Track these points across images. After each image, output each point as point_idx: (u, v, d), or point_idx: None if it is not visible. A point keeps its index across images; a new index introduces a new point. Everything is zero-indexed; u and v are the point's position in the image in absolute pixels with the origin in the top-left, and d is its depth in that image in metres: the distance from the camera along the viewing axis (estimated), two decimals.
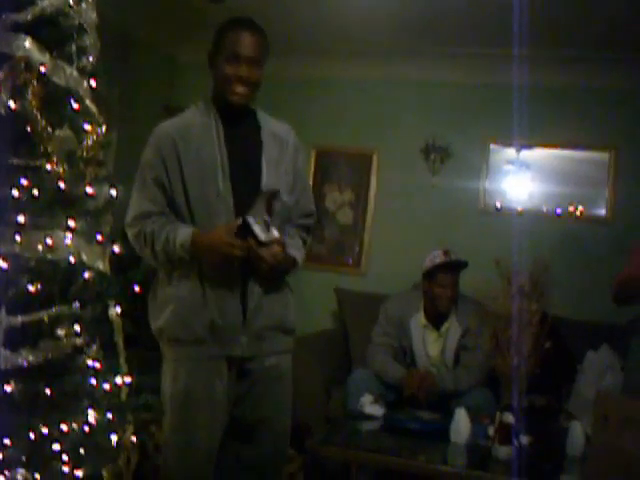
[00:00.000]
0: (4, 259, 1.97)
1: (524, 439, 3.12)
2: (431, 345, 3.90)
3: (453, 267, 3.86)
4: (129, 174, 2.42)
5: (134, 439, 2.34)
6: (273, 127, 2.43)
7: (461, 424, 3.22)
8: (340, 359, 4.45)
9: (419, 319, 3.90)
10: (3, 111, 1.95)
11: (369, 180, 4.99)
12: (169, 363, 2.36)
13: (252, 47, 2.30)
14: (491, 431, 3.16)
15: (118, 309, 2.38)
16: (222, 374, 2.30)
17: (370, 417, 3.46)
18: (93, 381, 2.18)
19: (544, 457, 3.12)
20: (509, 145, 4.70)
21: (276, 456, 2.47)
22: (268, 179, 2.33)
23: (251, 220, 2.17)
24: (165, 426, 2.37)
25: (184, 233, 2.23)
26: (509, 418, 3.10)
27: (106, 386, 2.26)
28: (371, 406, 3.51)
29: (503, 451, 3.06)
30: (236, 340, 2.29)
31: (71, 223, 2.14)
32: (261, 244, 2.18)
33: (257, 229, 2.16)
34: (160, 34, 4.86)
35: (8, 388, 1.99)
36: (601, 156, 4.65)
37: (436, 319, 3.89)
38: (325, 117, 4.98)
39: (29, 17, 2.09)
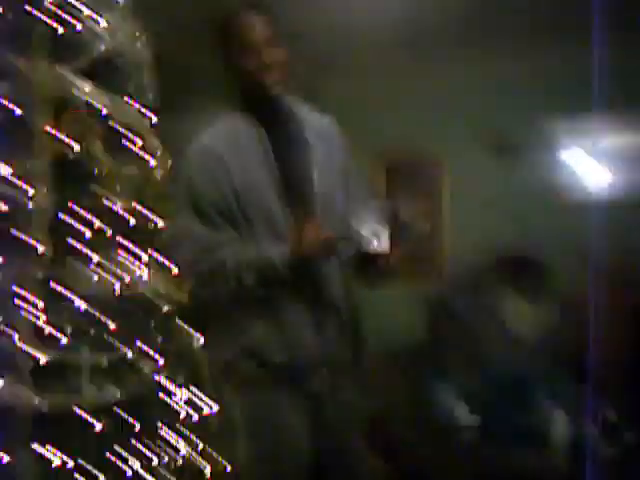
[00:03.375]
0: (83, 299, 2.00)
1: (628, 435, 3.00)
2: None
3: None
4: None
5: (228, 469, 2.33)
6: (314, 120, 2.25)
7: (561, 425, 3.12)
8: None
9: None
10: (71, 155, 1.99)
11: (441, 189, 4.92)
12: (242, 398, 2.19)
13: (264, 27, 2.09)
14: (593, 430, 3.04)
15: (201, 340, 2.40)
16: (301, 411, 2.15)
17: (465, 428, 3.39)
18: (182, 413, 2.19)
19: None
20: (583, 134, 4.55)
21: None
22: (320, 186, 2.17)
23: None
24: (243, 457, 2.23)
25: (278, 251, 2.04)
26: (612, 415, 2.99)
27: (194, 417, 2.27)
28: (466, 416, 3.43)
29: (609, 449, 2.95)
30: (314, 374, 2.13)
31: (145, 257, 2.16)
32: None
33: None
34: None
35: (98, 426, 2.01)
36: None
37: None
38: (390, 130, 4.92)
39: (87, 61, 2.13)
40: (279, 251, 2.02)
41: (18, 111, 2.03)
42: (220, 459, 2.33)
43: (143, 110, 2.30)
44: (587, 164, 4.65)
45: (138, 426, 2.08)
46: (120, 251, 2.12)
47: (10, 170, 1.98)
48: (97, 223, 2.04)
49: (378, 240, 1.96)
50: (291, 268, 2.00)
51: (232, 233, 2.08)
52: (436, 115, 4.88)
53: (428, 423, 3.78)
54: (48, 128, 2.01)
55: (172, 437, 2.16)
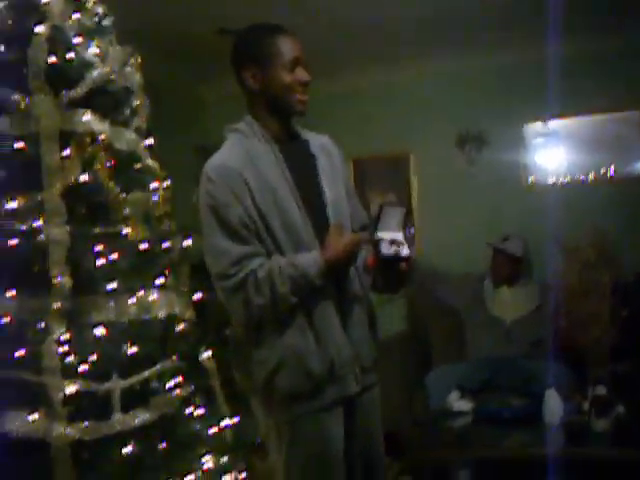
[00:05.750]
0: (104, 327, 2.03)
1: (620, 409, 3.12)
2: None
3: None
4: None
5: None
6: (316, 139, 2.31)
7: (553, 404, 3.22)
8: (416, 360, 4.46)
9: None
10: (80, 185, 2.01)
11: (409, 181, 5.03)
12: (283, 425, 2.11)
13: (302, 49, 2.15)
14: (585, 406, 3.16)
15: (209, 353, 2.44)
16: (340, 418, 2.12)
17: (459, 413, 3.49)
18: (204, 428, 2.23)
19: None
20: (543, 120, 4.71)
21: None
22: (330, 194, 2.20)
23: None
24: None
25: (309, 258, 2.05)
26: (602, 390, 3.11)
27: (213, 430, 2.32)
28: (459, 402, 3.53)
29: (601, 424, 3.07)
30: (351, 377, 2.12)
31: (157, 280, 2.19)
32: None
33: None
34: (183, 74, 4.93)
35: (128, 449, 2.04)
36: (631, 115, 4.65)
37: None
38: (357, 126, 5.01)
39: (83, 90, 2.15)
40: (312, 257, 2.05)
41: (21, 144, 2.05)
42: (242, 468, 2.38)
43: (139, 134, 2.33)
44: (549, 149, 4.80)
45: (165, 445, 2.12)
46: (132, 275, 2.15)
47: (23, 203, 2.00)
48: (111, 251, 2.07)
49: (399, 245, 2.02)
50: (325, 273, 2.04)
51: (260, 247, 2.06)
52: (404, 110, 4.98)
53: (423, 411, 3.89)
54: (56, 159, 2.02)
55: (199, 452, 2.20)
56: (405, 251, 2.01)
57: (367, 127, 5.03)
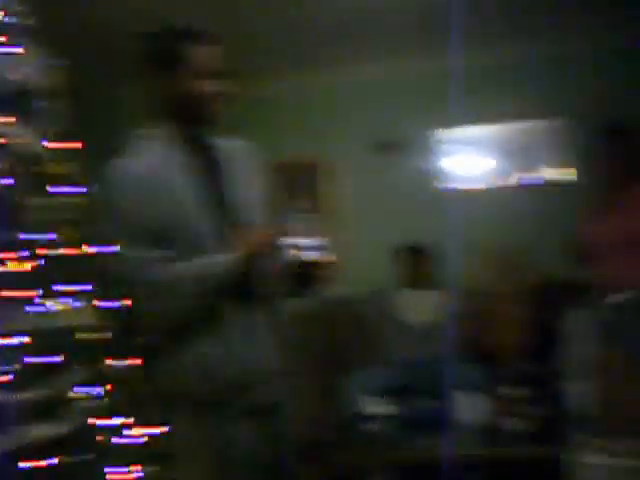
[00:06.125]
0: (4, 337, 1.95)
1: (530, 408, 3.21)
2: None
3: None
4: None
5: None
6: (228, 143, 2.26)
7: (466, 406, 3.29)
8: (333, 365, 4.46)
9: None
10: None
11: (326, 186, 5.05)
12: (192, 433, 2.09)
13: (220, 57, 2.11)
14: (497, 407, 3.24)
15: (133, 361, 2.37)
16: (250, 425, 2.10)
17: (378, 416, 3.51)
18: (126, 437, 2.17)
19: (551, 422, 3.21)
20: (455, 126, 4.81)
21: None
22: (239, 200, 2.18)
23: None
24: None
25: (216, 262, 2.00)
26: (512, 391, 3.19)
27: (139, 439, 2.26)
28: (376, 406, 3.56)
29: (512, 424, 3.15)
30: (260, 384, 2.11)
31: (65, 288, 2.12)
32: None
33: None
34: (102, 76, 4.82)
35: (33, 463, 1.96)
36: (540, 124, 4.80)
37: None
38: (274, 131, 4.99)
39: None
40: (219, 260, 2.00)
41: None
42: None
43: (57, 139, 2.25)
44: (466, 155, 4.91)
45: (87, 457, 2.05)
46: (40, 282, 2.07)
47: None
48: (16, 256, 1.99)
49: (307, 250, 2.03)
50: (233, 276, 2.00)
51: (167, 253, 2.01)
52: (321, 116, 5.00)
53: (341, 418, 3.89)
54: None
55: (125, 461, 2.13)
56: (313, 256, 2.04)
57: (284, 133, 5.03)
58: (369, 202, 4.95)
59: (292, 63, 4.85)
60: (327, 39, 4.51)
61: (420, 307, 4.25)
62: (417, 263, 4.28)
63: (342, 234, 4.97)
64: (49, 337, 2.08)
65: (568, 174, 4.72)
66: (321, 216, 5.02)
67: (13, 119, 2.08)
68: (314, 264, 2.04)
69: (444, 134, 4.91)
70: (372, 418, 3.54)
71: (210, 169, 2.18)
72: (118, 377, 2.39)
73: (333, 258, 2.07)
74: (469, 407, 3.28)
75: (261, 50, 4.60)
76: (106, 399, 2.22)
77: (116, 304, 2.09)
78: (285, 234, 2.07)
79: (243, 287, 2.06)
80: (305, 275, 2.07)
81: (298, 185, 5.13)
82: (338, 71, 4.93)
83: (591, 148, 3.38)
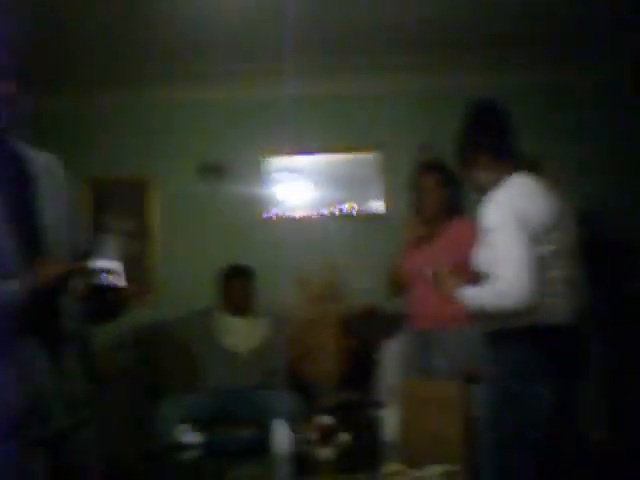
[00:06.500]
0: None
1: (344, 436, 3.23)
2: None
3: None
4: None
5: None
6: (39, 158, 2.10)
7: (281, 435, 3.25)
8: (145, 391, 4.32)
9: None
10: None
11: (150, 207, 4.92)
12: None
13: None
14: (312, 435, 3.23)
15: None
16: (46, 455, 1.96)
17: (188, 446, 3.40)
18: None
19: (364, 450, 3.25)
20: (282, 154, 4.87)
21: None
22: (48, 219, 2.02)
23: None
24: None
25: (9, 289, 1.89)
26: (326, 420, 3.20)
27: None
28: (188, 434, 3.45)
29: (325, 452, 3.15)
30: (57, 412, 1.98)
31: None
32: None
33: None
34: None
35: None
36: (367, 157, 4.95)
37: None
38: (97, 146, 4.83)
39: None
40: (13, 287, 1.87)
41: None
42: None
43: None
44: (289, 183, 4.95)
45: None
46: None
47: None
48: None
49: (114, 274, 1.93)
50: (27, 304, 1.88)
51: None
52: (148, 134, 4.89)
53: (150, 444, 3.75)
54: None
55: None
56: (118, 281, 1.95)
57: (108, 148, 4.87)
58: (194, 224, 4.87)
59: (120, 79, 4.71)
60: (165, 56, 4.43)
61: (242, 334, 4.20)
62: (239, 288, 4.23)
63: (165, 256, 4.87)
64: None
65: (389, 205, 4.87)
66: (143, 236, 4.87)
67: None
68: (113, 289, 1.94)
69: (272, 161, 4.93)
70: (184, 447, 3.41)
71: (20, 185, 2.02)
72: None
73: (127, 283, 1.96)
74: (285, 436, 3.24)
75: (86, 64, 4.45)
76: None
77: None
78: (82, 268, 1.94)
79: (40, 315, 1.93)
80: (105, 301, 1.97)
81: (125, 203, 4.95)
82: (176, 88, 4.85)
83: (409, 181, 3.49)
